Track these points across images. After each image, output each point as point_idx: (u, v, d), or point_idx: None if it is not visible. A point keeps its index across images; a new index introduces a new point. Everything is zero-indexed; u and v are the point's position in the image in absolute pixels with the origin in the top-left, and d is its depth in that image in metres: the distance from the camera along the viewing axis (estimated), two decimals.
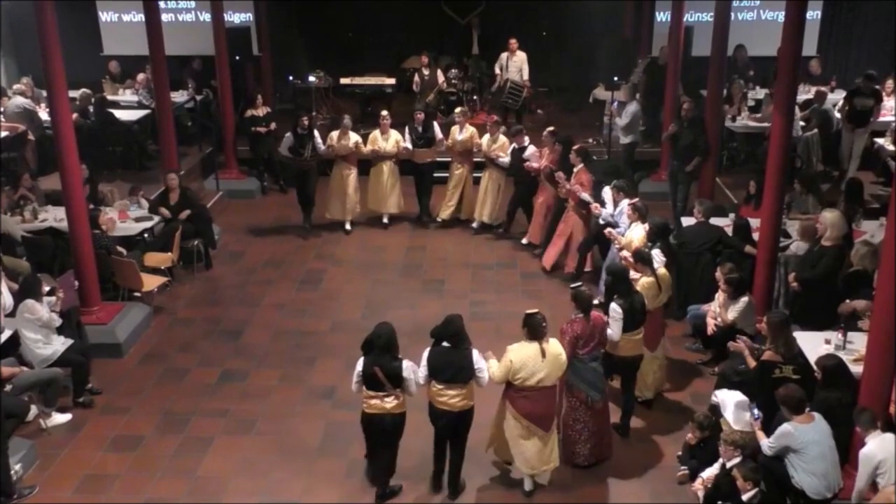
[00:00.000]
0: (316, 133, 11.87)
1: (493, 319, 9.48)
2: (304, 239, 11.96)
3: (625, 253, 8.52)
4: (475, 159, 12.26)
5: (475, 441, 6.91)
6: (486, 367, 6.59)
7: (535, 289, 10.45)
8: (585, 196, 10.14)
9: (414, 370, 6.53)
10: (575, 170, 10.37)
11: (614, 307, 7.21)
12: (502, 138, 11.77)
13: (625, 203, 9.39)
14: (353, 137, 11.91)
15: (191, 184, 12.23)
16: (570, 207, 10.50)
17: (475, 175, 12.27)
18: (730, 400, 6.86)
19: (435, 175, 12.39)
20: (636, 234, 8.78)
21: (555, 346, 6.63)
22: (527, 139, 11.60)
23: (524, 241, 11.60)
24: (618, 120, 13.11)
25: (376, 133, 12.01)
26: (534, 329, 6.55)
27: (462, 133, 11.99)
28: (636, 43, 16.52)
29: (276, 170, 13.62)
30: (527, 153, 11.40)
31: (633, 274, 7.76)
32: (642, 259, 7.85)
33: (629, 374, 7.57)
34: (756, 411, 6.50)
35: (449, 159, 12.33)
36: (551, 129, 11.47)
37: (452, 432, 6.72)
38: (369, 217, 12.48)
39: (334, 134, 11.95)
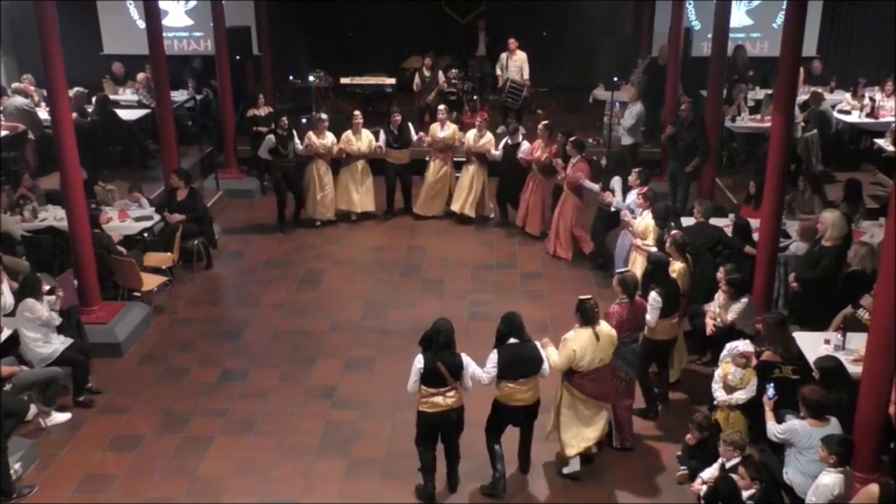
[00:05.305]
0: (294, 133, 11.99)
1: (493, 319, 9.23)
2: (299, 234, 12.01)
3: (638, 241, 9.00)
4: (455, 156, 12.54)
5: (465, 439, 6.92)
6: (546, 356, 6.69)
7: (536, 289, 10.45)
8: (589, 184, 10.54)
9: (472, 364, 6.57)
10: (573, 161, 10.75)
11: (654, 296, 7.45)
12: (488, 135, 12.13)
13: (634, 192, 9.63)
14: (330, 137, 12.06)
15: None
16: (564, 195, 10.96)
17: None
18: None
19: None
20: (650, 220, 9.09)
21: (605, 328, 6.83)
22: (521, 136, 11.97)
23: (527, 229, 11.85)
24: (622, 121, 13.12)
25: (349, 133, 12.13)
26: (586, 314, 6.70)
27: (444, 130, 12.20)
28: (636, 43, 16.53)
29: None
30: (521, 149, 11.72)
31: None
32: (678, 245, 8.17)
33: (665, 356, 7.87)
34: (771, 391, 6.52)
35: (427, 158, 12.55)
36: (546, 122, 11.77)
37: (524, 422, 6.82)
38: (366, 216, 12.53)
39: (311, 133, 12.02)
